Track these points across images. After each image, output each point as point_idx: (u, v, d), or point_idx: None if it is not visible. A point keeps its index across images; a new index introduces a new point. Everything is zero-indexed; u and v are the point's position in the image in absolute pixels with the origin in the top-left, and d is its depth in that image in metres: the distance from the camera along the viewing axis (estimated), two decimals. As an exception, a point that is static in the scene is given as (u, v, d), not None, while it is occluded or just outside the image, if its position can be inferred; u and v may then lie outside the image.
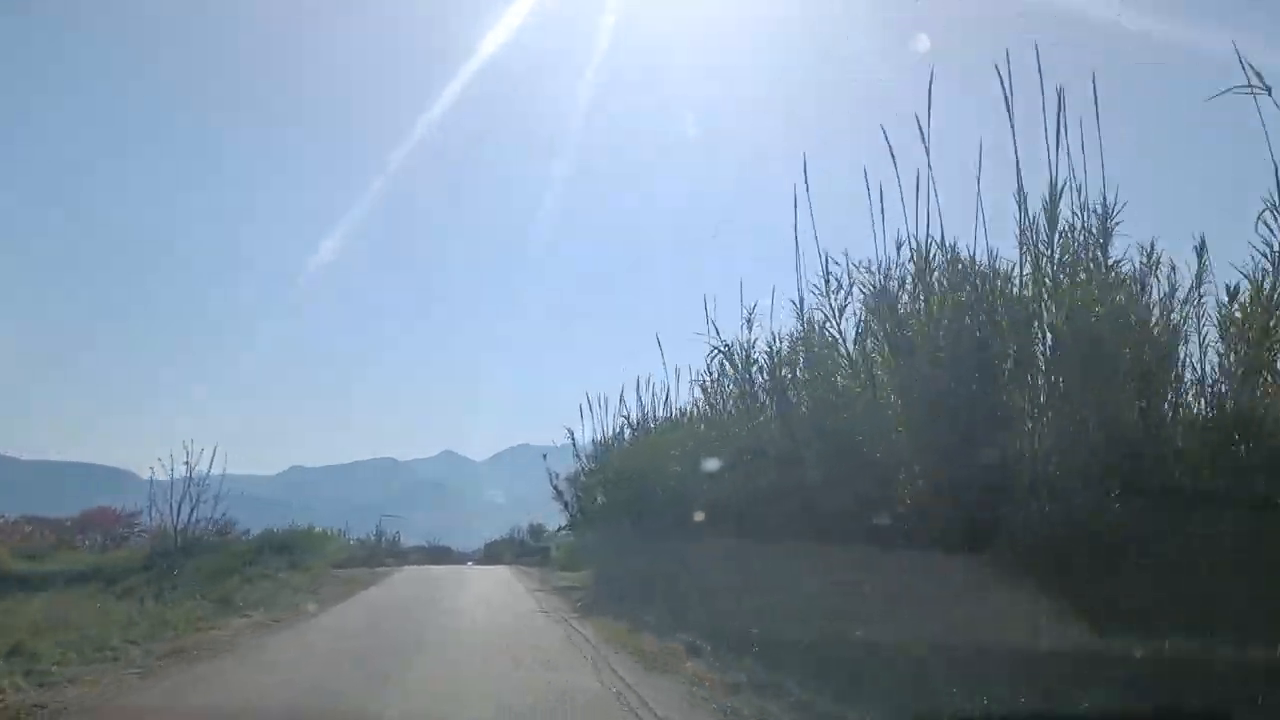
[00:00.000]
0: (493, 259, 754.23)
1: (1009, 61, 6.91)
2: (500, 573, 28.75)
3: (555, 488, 20.88)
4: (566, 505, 21.10)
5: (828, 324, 8.66)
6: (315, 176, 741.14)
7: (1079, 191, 6.52)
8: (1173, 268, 6.42)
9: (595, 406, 18.43)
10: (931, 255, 7.44)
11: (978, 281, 7.03)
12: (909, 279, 7.71)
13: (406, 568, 34.08)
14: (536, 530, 43.07)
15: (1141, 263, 6.54)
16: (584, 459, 18.59)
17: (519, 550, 41.78)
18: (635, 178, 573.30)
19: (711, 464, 11.03)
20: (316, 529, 23.39)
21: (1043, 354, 6.49)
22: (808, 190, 8.62)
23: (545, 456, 20.75)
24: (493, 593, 19.29)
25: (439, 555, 46.73)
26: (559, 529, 33.84)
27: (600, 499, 16.46)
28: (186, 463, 20.28)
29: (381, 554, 33.55)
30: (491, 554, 45.61)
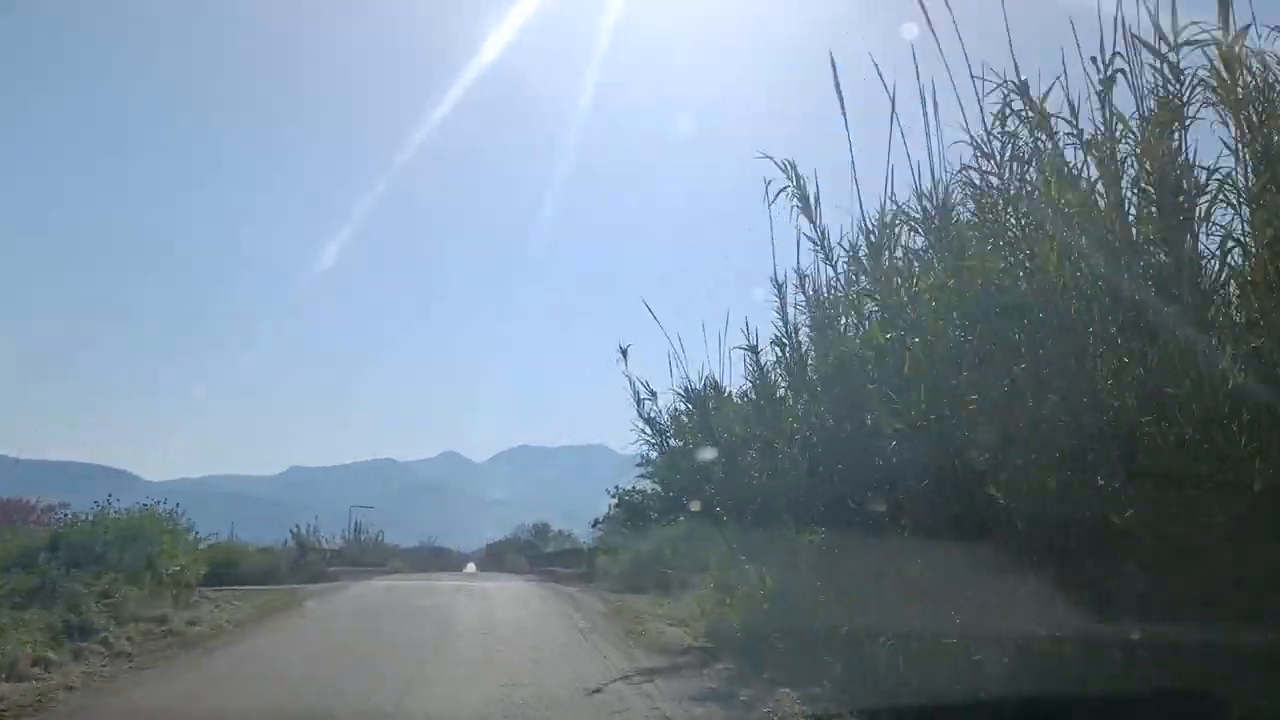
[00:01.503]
0: (493, 259, 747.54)
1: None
2: (520, 597, 17.27)
3: (647, 420, 9.57)
4: (673, 459, 9.79)
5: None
6: (315, 176, 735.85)
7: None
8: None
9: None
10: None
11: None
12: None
13: (375, 580, 22.93)
14: (541, 530, 41.55)
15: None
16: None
17: (526, 551, 37.46)
18: (635, 178, 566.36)
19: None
20: (165, 515, 11.81)
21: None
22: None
23: (626, 352, 9.47)
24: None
25: (431, 560, 37.10)
26: (597, 521, 22.59)
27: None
28: None
29: (320, 561, 21.88)
30: (494, 555, 41.90)
